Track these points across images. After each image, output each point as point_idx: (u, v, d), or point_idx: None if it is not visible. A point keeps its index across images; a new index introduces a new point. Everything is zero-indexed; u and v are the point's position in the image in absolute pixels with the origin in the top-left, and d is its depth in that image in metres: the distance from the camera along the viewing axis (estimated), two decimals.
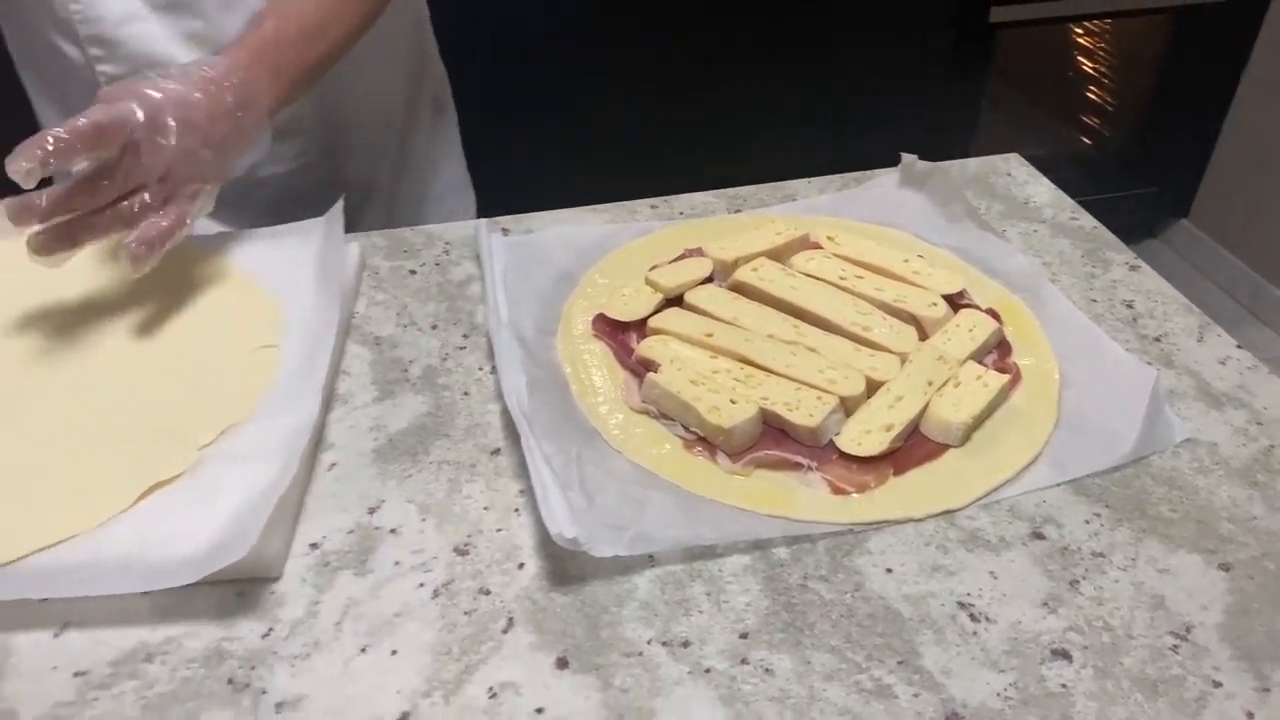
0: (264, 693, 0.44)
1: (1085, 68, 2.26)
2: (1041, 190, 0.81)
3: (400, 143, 0.90)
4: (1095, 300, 0.69)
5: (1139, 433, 0.56)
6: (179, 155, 0.59)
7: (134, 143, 0.58)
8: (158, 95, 0.59)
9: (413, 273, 0.71)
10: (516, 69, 1.63)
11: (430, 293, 0.69)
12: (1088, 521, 0.53)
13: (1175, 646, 0.47)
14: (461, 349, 0.64)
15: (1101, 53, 2.21)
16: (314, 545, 0.51)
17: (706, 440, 0.56)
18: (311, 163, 0.82)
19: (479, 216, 0.76)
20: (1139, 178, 2.24)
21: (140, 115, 0.58)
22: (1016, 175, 0.83)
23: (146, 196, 0.59)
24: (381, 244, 0.73)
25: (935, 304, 0.64)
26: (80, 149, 0.55)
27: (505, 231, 0.74)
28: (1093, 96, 2.26)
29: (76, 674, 0.45)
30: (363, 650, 0.46)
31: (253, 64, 0.64)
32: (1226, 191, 2.17)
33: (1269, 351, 2.02)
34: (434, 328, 0.66)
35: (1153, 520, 0.53)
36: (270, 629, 0.47)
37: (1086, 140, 2.29)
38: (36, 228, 0.57)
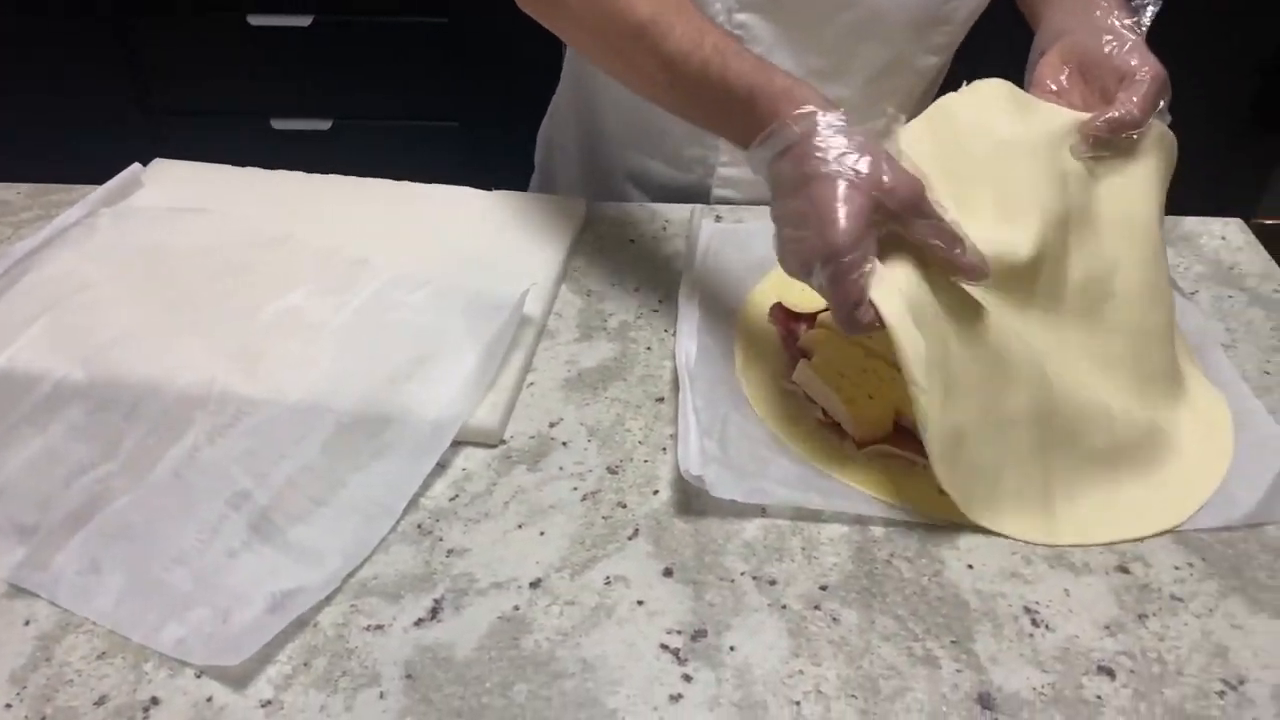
0: (440, 540, 0.57)
1: None
2: (1254, 259, 0.81)
3: None
4: (1268, 373, 0.70)
5: (1260, 500, 0.58)
6: None
7: None
8: None
9: (631, 241, 0.83)
10: None
11: (641, 260, 0.80)
12: (1177, 568, 0.56)
13: (1222, 693, 0.50)
14: (655, 311, 0.75)
15: None
16: (503, 441, 0.64)
17: (837, 425, 0.63)
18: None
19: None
20: None
21: None
22: (1231, 240, 0.83)
23: None
24: (611, 213, 0.85)
25: None
26: None
27: (718, 218, 0.84)
28: None
29: None
30: (519, 526, 0.58)
31: None
32: None
33: None
34: (636, 290, 0.77)
35: (1246, 581, 0.55)
36: (456, 495, 0.60)
37: None
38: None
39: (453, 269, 0.73)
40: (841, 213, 0.53)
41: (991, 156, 0.62)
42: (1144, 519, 0.59)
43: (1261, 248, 0.83)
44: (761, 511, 0.59)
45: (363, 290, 0.71)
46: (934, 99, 0.64)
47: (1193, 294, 0.76)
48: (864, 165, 0.54)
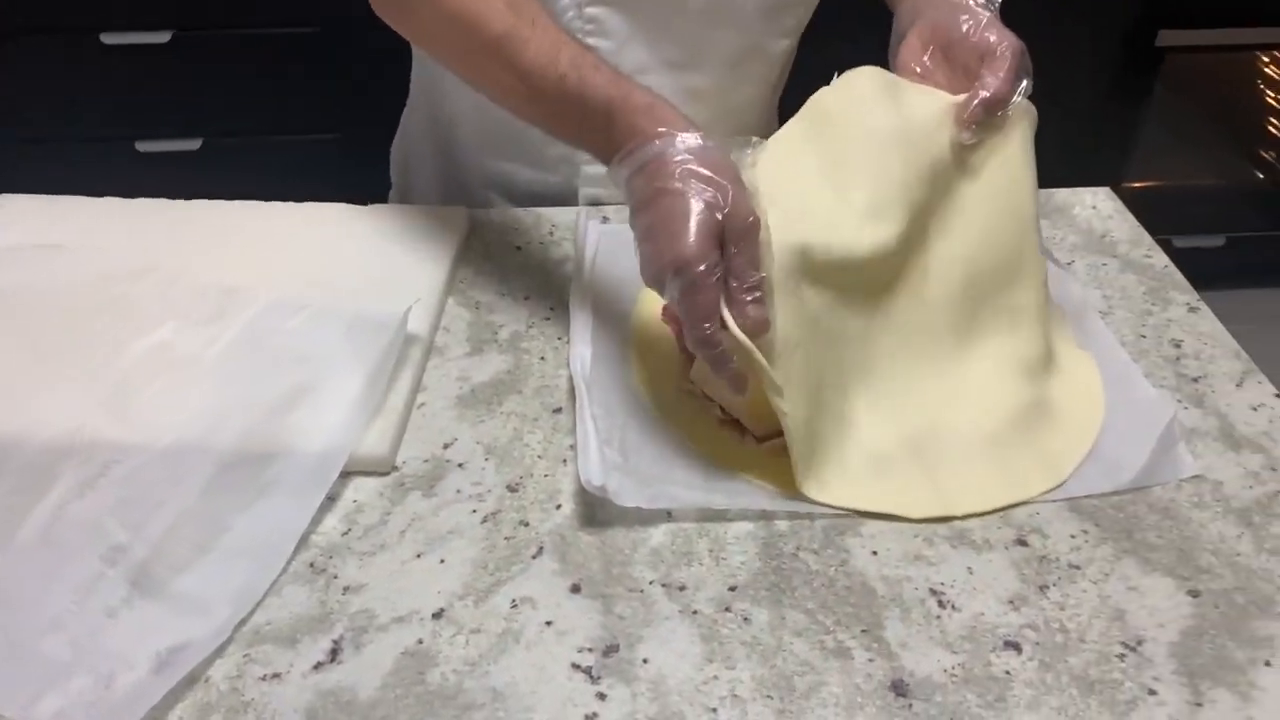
0: (335, 577, 0.55)
1: (1269, 99, 2.16)
2: (1123, 226, 0.84)
3: None
4: (1144, 336, 0.72)
5: (1144, 464, 0.60)
6: None
7: None
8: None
9: (518, 249, 0.81)
10: None
11: (529, 268, 0.79)
12: (1073, 536, 0.57)
13: (1122, 655, 0.51)
14: (547, 319, 0.73)
15: None
16: (395, 468, 0.61)
17: (737, 422, 0.63)
18: None
19: None
20: None
21: None
22: (1101, 209, 0.86)
23: None
24: (496, 220, 0.84)
25: None
26: None
27: (605, 219, 0.83)
28: (1274, 130, 2.16)
29: None
30: (418, 556, 0.56)
31: None
32: None
33: None
34: (526, 299, 0.75)
35: (1136, 543, 0.57)
36: (349, 529, 0.58)
37: (1260, 175, 2.19)
38: None
39: (331, 290, 0.71)
40: (690, 225, 0.55)
41: (864, 151, 0.63)
42: (1029, 482, 0.60)
43: (1130, 214, 0.86)
44: (667, 516, 0.58)
45: (236, 319, 0.68)
46: (784, 82, 0.64)
47: (1069, 264, 0.79)
48: (712, 186, 0.56)
